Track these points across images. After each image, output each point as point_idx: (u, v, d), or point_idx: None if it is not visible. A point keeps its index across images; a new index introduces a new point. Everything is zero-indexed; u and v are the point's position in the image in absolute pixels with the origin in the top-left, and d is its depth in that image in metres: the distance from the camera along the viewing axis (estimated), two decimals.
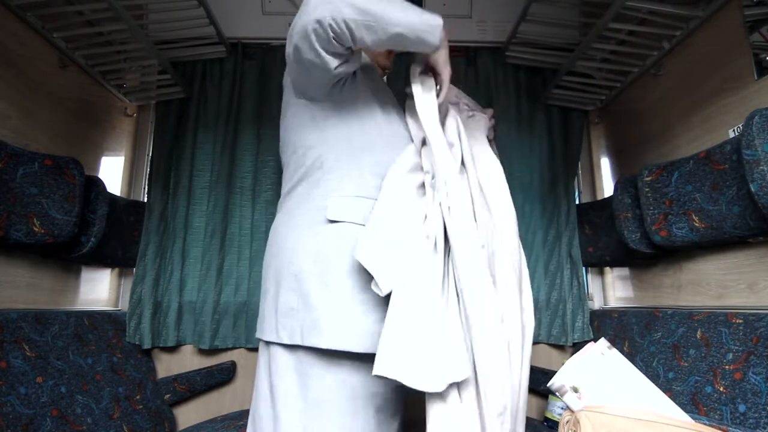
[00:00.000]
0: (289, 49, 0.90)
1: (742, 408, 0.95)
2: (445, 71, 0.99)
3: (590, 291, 1.84)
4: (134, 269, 1.66)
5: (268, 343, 0.94)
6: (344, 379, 0.87)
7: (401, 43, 0.86)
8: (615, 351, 0.84)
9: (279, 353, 0.91)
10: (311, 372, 0.87)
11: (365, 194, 0.93)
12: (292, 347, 0.89)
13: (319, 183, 0.94)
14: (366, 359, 0.86)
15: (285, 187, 1.02)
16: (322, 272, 0.88)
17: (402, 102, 1.10)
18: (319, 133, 0.96)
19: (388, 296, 0.82)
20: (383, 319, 0.82)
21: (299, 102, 0.98)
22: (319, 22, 0.78)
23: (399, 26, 0.82)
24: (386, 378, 0.76)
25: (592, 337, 1.64)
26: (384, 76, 1.16)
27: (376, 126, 0.98)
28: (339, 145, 0.95)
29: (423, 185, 0.94)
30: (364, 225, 0.89)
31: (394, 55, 1.16)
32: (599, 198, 1.86)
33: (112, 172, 1.76)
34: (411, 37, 0.85)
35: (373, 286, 0.83)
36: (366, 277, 0.86)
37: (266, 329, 0.93)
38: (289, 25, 0.89)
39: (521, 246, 1.03)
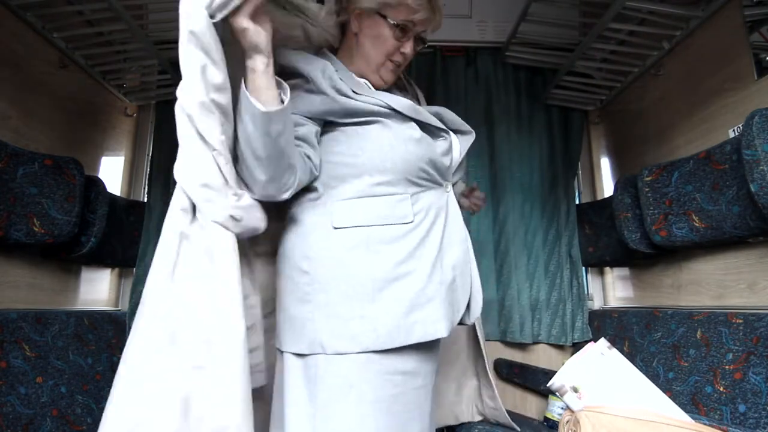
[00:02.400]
0: None
1: (742, 408, 0.96)
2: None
3: (590, 291, 1.84)
4: (134, 269, 1.66)
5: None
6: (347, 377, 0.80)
7: None
8: (615, 351, 0.85)
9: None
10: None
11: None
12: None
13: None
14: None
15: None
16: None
17: None
18: None
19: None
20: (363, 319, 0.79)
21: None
22: None
23: None
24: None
25: (591, 337, 1.64)
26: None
27: None
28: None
29: None
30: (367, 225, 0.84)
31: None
32: (599, 198, 1.86)
33: (112, 172, 1.76)
34: None
35: None
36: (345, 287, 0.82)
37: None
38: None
39: None
